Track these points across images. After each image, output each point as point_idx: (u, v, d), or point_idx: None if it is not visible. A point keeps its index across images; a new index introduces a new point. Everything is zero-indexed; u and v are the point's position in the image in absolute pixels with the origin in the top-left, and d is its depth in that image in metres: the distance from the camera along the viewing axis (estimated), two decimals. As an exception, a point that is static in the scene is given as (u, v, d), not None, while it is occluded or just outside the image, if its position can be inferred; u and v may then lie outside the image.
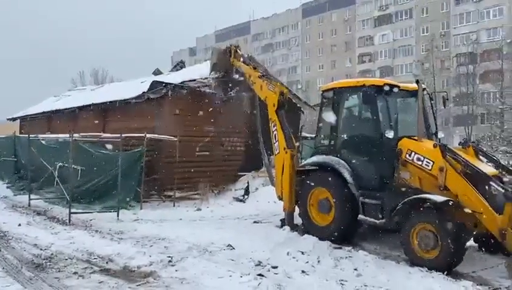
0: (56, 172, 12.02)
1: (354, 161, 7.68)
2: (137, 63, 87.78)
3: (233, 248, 7.14)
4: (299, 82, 68.01)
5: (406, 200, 6.46)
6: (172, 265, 6.21)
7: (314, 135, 9.02)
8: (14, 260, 6.59)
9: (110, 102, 13.97)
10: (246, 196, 12.45)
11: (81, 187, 11.02)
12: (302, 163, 8.74)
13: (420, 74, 46.29)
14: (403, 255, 6.66)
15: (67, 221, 9.44)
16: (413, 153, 6.85)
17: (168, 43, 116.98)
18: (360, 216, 7.43)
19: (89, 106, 15.09)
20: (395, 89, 7.35)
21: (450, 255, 5.97)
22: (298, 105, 15.26)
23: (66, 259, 6.55)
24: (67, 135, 11.08)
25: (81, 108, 15.73)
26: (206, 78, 12.85)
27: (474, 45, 47.30)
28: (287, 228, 8.46)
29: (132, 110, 13.14)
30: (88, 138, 11.55)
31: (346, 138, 7.96)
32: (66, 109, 16.91)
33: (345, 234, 7.62)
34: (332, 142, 8.13)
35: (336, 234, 7.58)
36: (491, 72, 44.63)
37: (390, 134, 7.04)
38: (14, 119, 22.47)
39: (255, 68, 10.78)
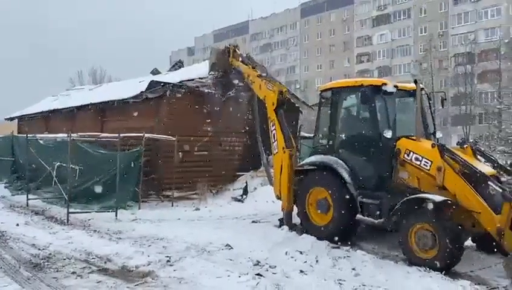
0: (54, 172, 11.97)
1: (352, 161, 7.69)
2: (136, 63, 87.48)
3: (232, 248, 7.13)
4: (298, 82, 68.08)
5: (404, 200, 6.47)
6: (171, 265, 6.21)
7: (312, 135, 9.03)
8: (12, 259, 6.58)
9: (108, 102, 13.95)
10: (244, 196, 12.42)
11: (79, 187, 11.00)
12: (301, 163, 8.74)
13: (418, 73, 46.31)
14: (401, 254, 6.67)
15: (66, 221, 9.44)
16: (411, 153, 6.86)
17: (168, 43, 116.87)
18: (359, 216, 7.42)
19: (87, 105, 15.06)
20: (393, 89, 7.35)
21: (448, 254, 5.97)
22: (296, 105, 15.26)
23: (64, 259, 6.54)
24: (66, 135, 11.07)
25: (79, 108, 15.70)
26: (205, 77, 12.85)
27: (472, 45, 47.33)
28: (285, 227, 8.46)
29: (130, 110, 13.13)
30: (86, 137, 11.51)
31: (344, 138, 7.98)
32: (64, 108, 16.86)
33: (344, 233, 7.62)
34: (330, 142, 8.13)
35: (334, 233, 7.58)
36: (489, 72, 44.64)
37: (388, 134, 7.04)
38: (12, 119, 22.38)
39: (253, 68, 10.80)
